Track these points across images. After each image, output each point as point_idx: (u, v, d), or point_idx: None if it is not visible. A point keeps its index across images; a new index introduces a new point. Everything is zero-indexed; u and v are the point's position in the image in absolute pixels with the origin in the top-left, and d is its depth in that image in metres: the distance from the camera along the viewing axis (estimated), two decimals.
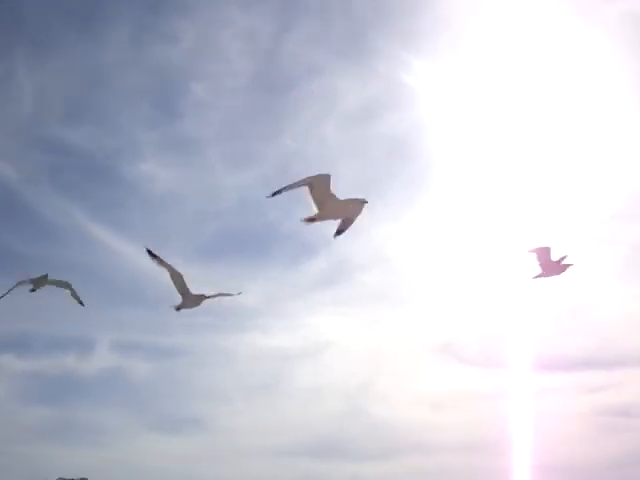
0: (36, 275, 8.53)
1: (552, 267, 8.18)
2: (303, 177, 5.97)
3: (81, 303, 9.05)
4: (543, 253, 8.12)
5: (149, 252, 7.84)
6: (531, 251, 8.17)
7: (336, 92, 24.46)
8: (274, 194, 5.90)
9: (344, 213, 6.29)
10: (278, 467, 23.00)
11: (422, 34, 23.26)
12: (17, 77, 24.75)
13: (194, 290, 8.35)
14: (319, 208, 6.25)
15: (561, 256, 8.16)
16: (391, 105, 24.52)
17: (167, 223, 26.52)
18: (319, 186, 6.03)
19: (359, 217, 6.48)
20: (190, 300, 8.39)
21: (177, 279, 8.16)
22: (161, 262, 7.94)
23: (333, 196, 6.10)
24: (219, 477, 22.60)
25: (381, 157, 25.86)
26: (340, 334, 25.64)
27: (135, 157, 26.44)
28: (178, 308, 8.49)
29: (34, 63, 25.42)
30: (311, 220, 6.34)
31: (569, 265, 8.30)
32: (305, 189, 6.13)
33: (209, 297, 8.49)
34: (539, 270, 8.27)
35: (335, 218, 6.37)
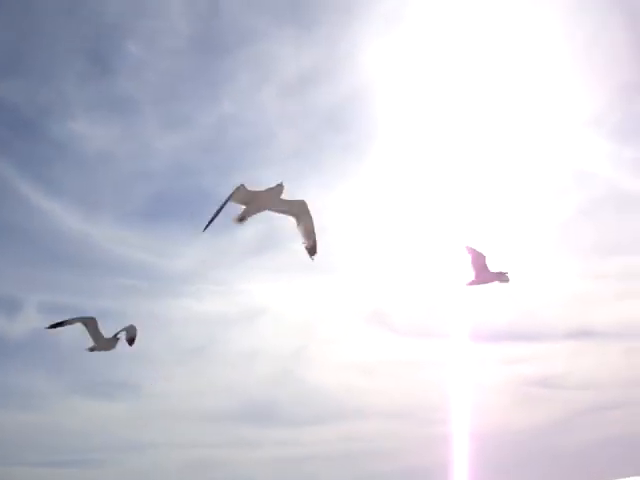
0: None
1: (485, 274, 8.16)
2: (224, 198, 6.06)
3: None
4: (478, 258, 8.11)
5: (53, 326, 7.85)
6: (468, 251, 8.15)
7: (275, 58, 24.21)
8: (205, 228, 5.92)
9: (269, 203, 6.30)
10: (210, 432, 23.10)
11: (363, 4, 23.15)
12: None
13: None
14: (245, 206, 6.32)
15: (499, 269, 8.14)
16: (329, 74, 24.44)
17: (99, 184, 26.02)
18: (239, 195, 6.09)
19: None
20: (104, 343, 8.37)
21: (91, 327, 8.17)
22: (70, 322, 7.97)
23: (254, 192, 6.15)
24: (151, 441, 22.57)
25: (317, 126, 25.81)
26: (273, 301, 25.74)
27: (67, 114, 25.70)
28: (92, 349, 8.41)
29: None
30: (242, 219, 6.36)
31: (503, 274, 8.19)
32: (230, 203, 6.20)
33: (118, 335, 8.46)
34: (472, 276, 8.25)
35: (263, 210, 6.36)
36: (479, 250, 8.06)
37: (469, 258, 8.11)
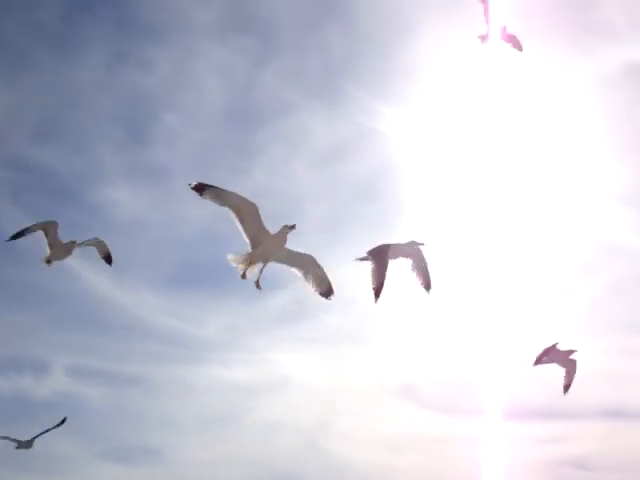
0: None
1: (557, 356, 8.30)
2: None
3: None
4: (552, 350, 8.22)
5: (14, 237, 7.43)
6: (544, 356, 8.25)
7: (306, 131, 24.65)
8: None
9: (276, 248, 5.98)
10: None
11: (391, 82, 23.65)
12: None
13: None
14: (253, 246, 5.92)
15: (569, 349, 8.29)
16: (359, 148, 24.80)
17: (130, 251, 26.27)
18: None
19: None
20: (60, 250, 7.75)
21: (50, 232, 7.67)
22: (31, 229, 7.48)
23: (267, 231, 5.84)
24: None
25: (347, 198, 26.01)
26: (300, 370, 25.47)
27: (102, 181, 26.30)
28: (48, 260, 7.76)
29: (8, 79, 25.22)
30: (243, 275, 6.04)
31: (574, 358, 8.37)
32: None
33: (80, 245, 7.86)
34: (541, 357, 8.35)
35: (269, 257, 6.03)
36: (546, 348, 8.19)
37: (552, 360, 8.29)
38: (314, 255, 6.05)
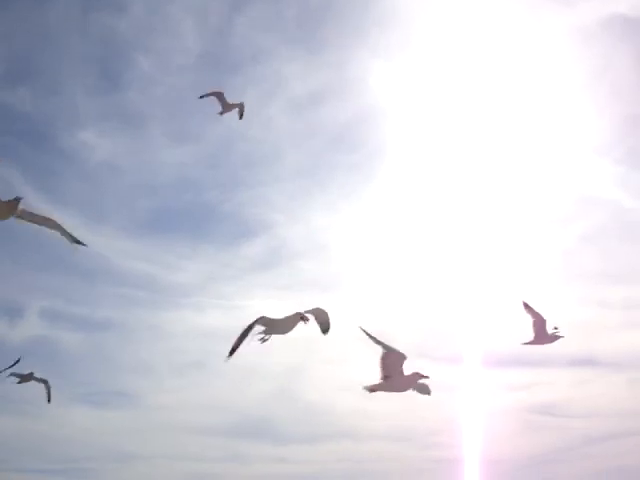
0: None
1: (544, 337, 8.25)
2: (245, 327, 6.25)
3: None
4: (539, 321, 8.19)
5: None
6: (529, 313, 8.21)
7: (283, 77, 24.32)
8: (230, 355, 6.00)
9: (289, 328, 6.57)
10: (205, 446, 22.96)
11: (373, 29, 23.30)
12: None
13: None
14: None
15: (554, 328, 8.27)
16: (337, 95, 24.57)
17: (103, 195, 26.08)
18: (259, 322, 6.41)
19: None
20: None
21: None
22: None
23: (273, 320, 6.45)
24: (145, 452, 22.40)
25: (325, 145, 25.87)
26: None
27: (74, 125, 25.82)
28: None
29: None
30: (264, 340, 6.60)
31: (559, 337, 8.28)
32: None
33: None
34: (532, 337, 8.31)
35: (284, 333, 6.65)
36: (540, 313, 8.19)
37: (531, 319, 8.22)
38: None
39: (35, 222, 6.62)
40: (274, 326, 6.35)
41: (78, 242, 7.00)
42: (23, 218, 6.43)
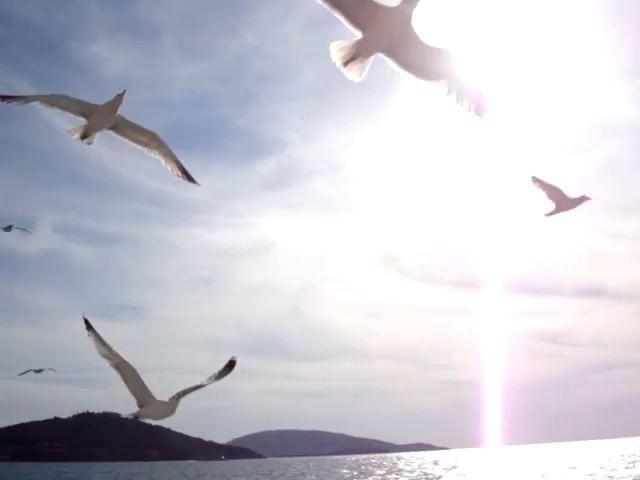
0: None
1: (568, 201, 7.42)
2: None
3: None
4: (555, 190, 7.61)
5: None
6: (540, 187, 7.36)
7: None
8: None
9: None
10: (213, 360, 23.48)
11: None
12: None
13: None
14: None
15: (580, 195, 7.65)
16: None
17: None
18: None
19: None
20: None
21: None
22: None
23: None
24: (153, 365, 22.91)
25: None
26: (285, 236, 25.80)
27: (86, 37, 25.42)
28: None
29: None
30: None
31: (586, 198, 7.65)
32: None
33: None
34: (552, 206, 7.47)
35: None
36: (551, 183, 7.31)
37: (545, 193, 7.37)
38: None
39: (132, 137, 5.32)
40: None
41: (187, 174, 5.40)
42: (119, 129, 5.27)
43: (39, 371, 14.19)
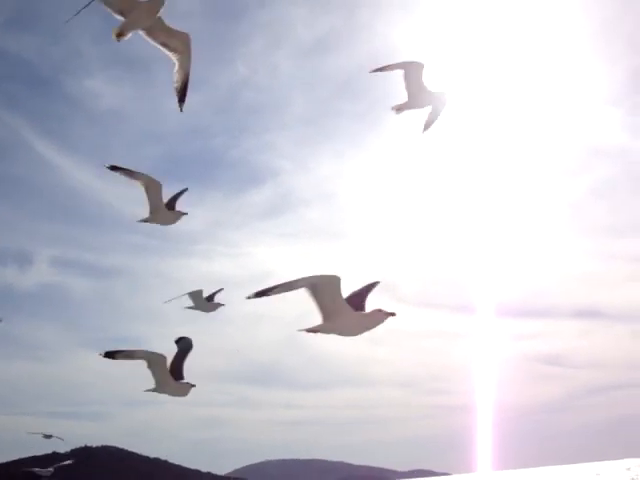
0: None
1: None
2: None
3: None
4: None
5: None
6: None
7: (289, 22, 24.13)
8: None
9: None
10: (214, 391, 23.51)
11: None
12: None
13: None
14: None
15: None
16: (344, 42, 24.40)
17: (110, 143, 26.21)
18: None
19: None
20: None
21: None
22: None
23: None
24: (155, 397, 22.94)
25: (331, 92, 25.75)
26: (281, 264, 25.96)
27: (81, 71, 25.81)
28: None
29: None
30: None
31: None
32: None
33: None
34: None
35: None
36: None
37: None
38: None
39: (162, 41, 5.67)
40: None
41: (184, 91, 6.02)
42: (153, 31, 5.58)
43: (48, 437, 14.98)
